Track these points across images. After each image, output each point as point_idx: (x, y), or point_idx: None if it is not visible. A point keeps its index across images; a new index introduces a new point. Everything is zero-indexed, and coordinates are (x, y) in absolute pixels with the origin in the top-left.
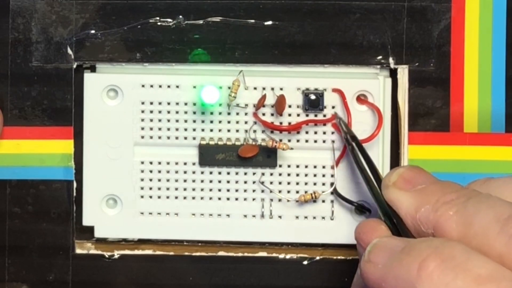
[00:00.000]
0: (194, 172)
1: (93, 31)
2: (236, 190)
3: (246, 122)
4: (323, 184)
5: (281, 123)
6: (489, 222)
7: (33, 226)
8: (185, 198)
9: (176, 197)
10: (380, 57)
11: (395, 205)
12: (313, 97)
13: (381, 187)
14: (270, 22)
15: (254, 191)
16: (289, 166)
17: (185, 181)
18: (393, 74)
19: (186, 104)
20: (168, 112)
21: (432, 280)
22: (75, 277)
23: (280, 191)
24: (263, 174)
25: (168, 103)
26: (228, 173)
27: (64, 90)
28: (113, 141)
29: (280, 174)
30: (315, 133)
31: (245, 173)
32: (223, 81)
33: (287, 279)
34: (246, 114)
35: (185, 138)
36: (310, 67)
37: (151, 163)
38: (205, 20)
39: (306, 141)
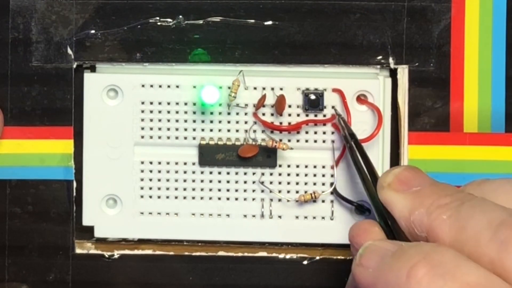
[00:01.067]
0: (194, 172)
1: (93, 31)
2: (236, 190)
3: (246, 122)
4: (323, 184)
5: (281, 123)
6: (482, 227)
7: (33, 226)
8: (185, 198)
9: (176, 197)
10: (380, 57)
11: (389, 206)
12: (313, 97)
13: (377, 188)
14: (270, 22)
15: (254, 191)
16: (289, 166)
17: (185, 181)
18: (393, 74)
19: (186, 104)
20: (168, 112)
21: (421, 286)
22: (75, 277)
23: (280, 191)
24: (263, 174)
25: (168, 103)
26: (228, 173)
27: (64, 90)
28: (113, 141)
29: (280, 174)
30: (315, 133)
31: (245, 173)
32: (223, 81)
33: (287, 279)
34: (246, 114)
35: (185, 138)
36: (310, 67)
37: (151, 163)
38: (205, 20)
39: (306, 141)
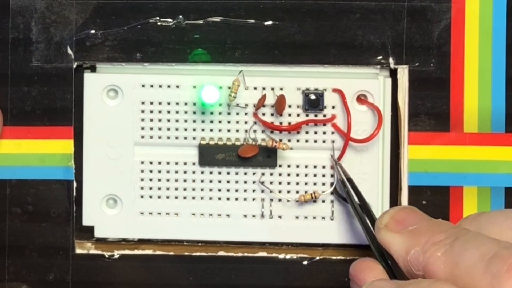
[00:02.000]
0: (194, 172)
1: (93, 31)
2: (236, 190)
3: (246, 122)
4: (323, 184)
5: (281, 123)
6: (475, 261)
7: (33, 226)
8: (185, 198)
9: (176, 197)
10: (380, 57)
11: (387, 247)
12: (313, 97)
13: (375, 229)
14: (270, 22)
15: (254, 191)
16: (289, 166)
17: (185, 181)
18: (393, 74)
19: (186, 104)
20: (168, 112)
21: None
22: (75, 277)
23: (280, 191)
24: (263, 174)
25: (168, 103)
26: (228, 173)
27: (64, 90)
28: (113, 141)
29: (280, 174)
30: (315, 133)
31: (245, 173)
32: (223, 81)
33: (287, 279)
34: (246, 114)
35: (185, 138)
36: (310, 67)
37: (151, 163)
38: (205, 20)
39: (306, 141)
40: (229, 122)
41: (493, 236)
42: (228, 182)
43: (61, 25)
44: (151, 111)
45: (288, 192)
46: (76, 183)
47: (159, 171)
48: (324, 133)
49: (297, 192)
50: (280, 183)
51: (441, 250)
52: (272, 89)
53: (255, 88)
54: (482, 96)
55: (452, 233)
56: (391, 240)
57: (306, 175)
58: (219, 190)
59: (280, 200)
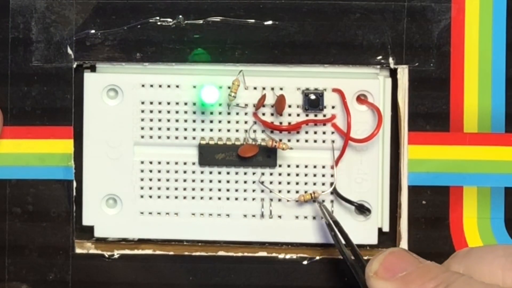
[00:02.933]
0: (194, 172)
1: (93, 31)
2: (236, 190)
3: (246, 122)
4: (323, 184)
5: (281, 123)
6: None
7: (33, 226)
8: (185, 198)
9: (176, 197)
10: (380, 57)
11: None
12: (313, 97)
13: (365, 277)
14: (270, 22)
15: (254, 191)
16: (289, 166)
17: (185, 181)
18: (393, 74)
19: (186, 104)
20: (168, 112)
21: None
22: (75, 276)
23: (280, 191)
24: (263, 174)
25: (168, 103)
26: (228, 173)
27: (64, 90)
28: (113, 140)
29: (280, 174)
30: (315, 133)
31: (245, 173)
32: (223, 81)
33: (287, 279)
34: (246, 114)
35: (185, 138)
36: (310, 67)
37: (151, 162)
38: (205, 20)
39: (306, 141)
40: (229, 122)
41: (483, 276)
42: (228, 182)
43: (61, 25)
44: (151, 111)
45: (288, 192)
46: (76, 183)
47: (159, 171)
48: (324, 133)
49: (297, 192)
50: (280, 183)
51: None
52: (272, 89)
53: (255, 88)
54: (482, 96)
55: (443, 279)
56: None
57: (306, 175)
58: (219, 190)
59: (280, 200)
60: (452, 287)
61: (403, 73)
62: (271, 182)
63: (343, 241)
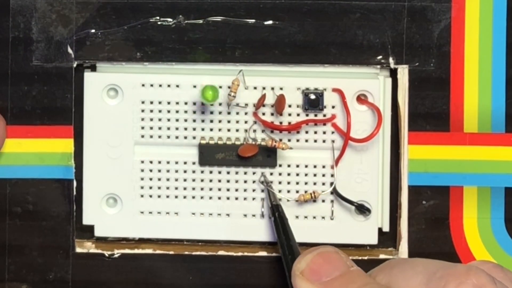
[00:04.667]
0: (194, 172)
1: (93, 30)
2: (236, 190)
3: (246, 122)
4: (323, 184)
5: (281, 122)
6: None
7: (33, 225)
8: (185, 197)
9: (176, 197)
10: (380, 57)
11: None
12: (313, 96)
13: (291, 273)
14: (270, 22)
15: (254, 190)
16: (289, 165)
17: (185, 180)
18: (393, 74)
19: (186, 103)
20: (168, 111)
21: None
22: (75, 276)
23: (280, 191)
24: (263, 173)
25: (168, 103)
26: (228, 173)
27: (64, 89)
28: (113, 140)
29: (280, 174)
30: (315, 132)
31: (245, 173)
32: (223, 81)
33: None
34: (246, 113)
35: (185, 137)
36: (310, 66)
37: (151, 162)
38: (205, 19)
39: (306, 140)
40: (229, 121)
41: None
42: (228, 181)
43: (61, 24)
44: (151, 111)
45: (288, 191)
46: (76, 182)
47: (159, 171)
48: (324, 132)
49: (297, 191)
50: (280, 182)
51: None
52: (272, 88)
53: (255, 88)
54: (482, 96)
55: None
56: None
57: (306, 174)
58: (219, 189)
59: (280, 199)
60: None
61: (403, 73)
62: (271, 182)
63: (281, 231)
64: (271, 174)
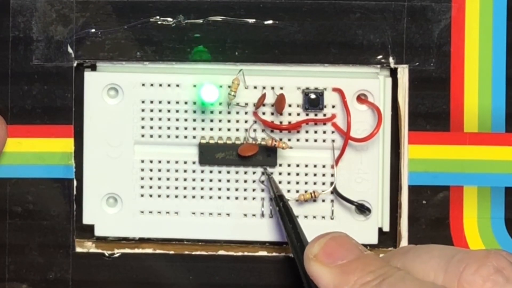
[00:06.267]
0: (194, 171)
1: (93, 30)
2: (236, 189)
3: (246, 121)
4: (323, 183)
5: (281, 122)
6: None
7: (33, 224)
8: (185, 197)
9: (176, 196)
10: (380, 56)
11: (315, 279)
12: (313, 96)
13: (304, 258)
14: (270, 22)
15: (254, 190)
16: (289, 165)
17: (185, 180)
18: (393, 73)
19: (186, 103)
20: (168, 111)
21: None
22: (75, 275)
23: None
24: (263, 173)
25: (168, 102)
26: (228, 172)
27: (65, 89)
28: (113, 139)
29: (280, 173)
30: (315, 132)
31: (245, 172)
32: (223, 80)
33: (287, 278)
34: (246, 113)
35: (185, 137)
36: (310, 66)
37: (151, 161)
38: (205, 19)
39: (306, 140)
40: (229, 121)
41: (418, 274)
42: (228, 181)
43: (61, 23)
44: (151, 110)
45: (288, 191)
46: (76, 182)
47: (159, 170)
48: (324, 132)
49: (297, 191)
50: (280, 182)
51: None
52: (272, 88)
53: (255, 87)
54: (482, 96)
55: (380, 274)
56: (320, 273)
57: (306, 174)
58: (219, 189)
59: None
60: (388, 281)
61: (403, 72)
62: (271, 173)
63: (287, 221)
64: (271, 173)
